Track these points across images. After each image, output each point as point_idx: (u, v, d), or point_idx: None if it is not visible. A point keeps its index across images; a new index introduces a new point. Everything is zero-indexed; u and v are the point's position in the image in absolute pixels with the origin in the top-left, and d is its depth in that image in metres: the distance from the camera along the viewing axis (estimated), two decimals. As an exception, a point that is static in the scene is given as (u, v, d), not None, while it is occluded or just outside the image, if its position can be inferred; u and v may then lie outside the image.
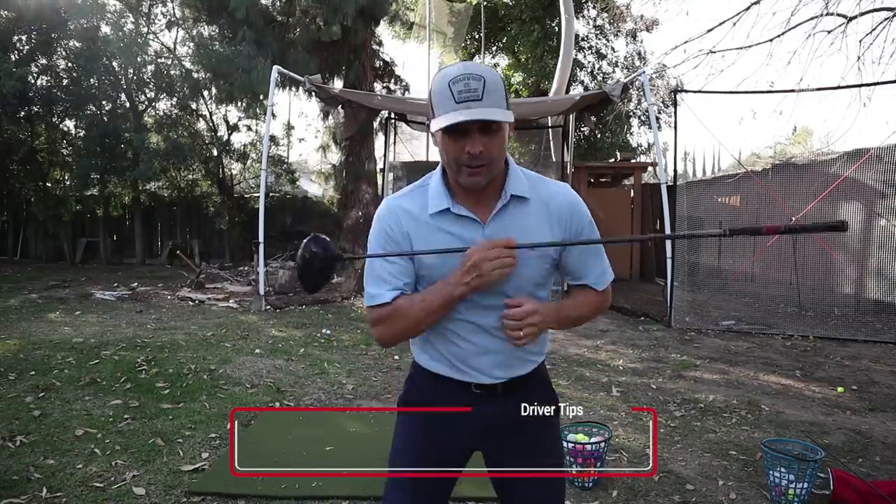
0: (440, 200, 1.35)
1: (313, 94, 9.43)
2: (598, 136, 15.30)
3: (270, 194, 12.96)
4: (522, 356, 1.44)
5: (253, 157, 13.47)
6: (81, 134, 12.48)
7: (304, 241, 1.47)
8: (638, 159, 14.57)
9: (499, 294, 1.36)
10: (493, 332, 1.39)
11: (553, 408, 1.49)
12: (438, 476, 1.48)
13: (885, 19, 5.48)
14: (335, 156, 13.50)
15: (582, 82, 15.26)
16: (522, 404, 1.45)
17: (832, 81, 6.10)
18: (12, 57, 11.32)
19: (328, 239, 1.48)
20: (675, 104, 7.37)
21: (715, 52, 6.67)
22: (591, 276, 1.46)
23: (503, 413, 1.44)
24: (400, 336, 1.43)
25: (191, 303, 8.05)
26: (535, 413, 1.46)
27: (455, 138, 1.26)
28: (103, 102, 12.23)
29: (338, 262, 1.53)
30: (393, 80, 13.43)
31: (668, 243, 7.15)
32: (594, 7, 14.83)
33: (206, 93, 12.51)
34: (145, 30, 12.42)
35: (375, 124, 12.01)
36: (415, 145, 11.21)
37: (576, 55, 13.54)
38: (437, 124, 1.26)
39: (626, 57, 15.60)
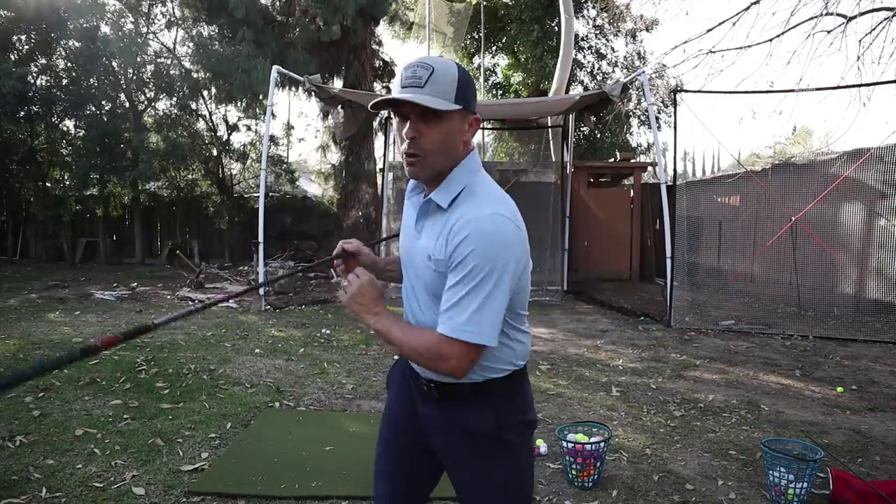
0: (411, 185, 1.43)
1: (313, 93, 9.43)
2: (598, 135, 15.30)
3: (270, 194, 12.97)
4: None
5: (252, 157, 13.47)
6: (81, 134, 12.47)
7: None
8: (637, 159, 14.58)
9: (416, 294, 1.39)
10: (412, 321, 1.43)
11: (492, 437, 1.33)
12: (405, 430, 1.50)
13: (885, 19, 5.49)
14: (335, 156, 13.50)
15: (582, 82, 15.26)
16: (458, 417, 1.36)
17: (832, 81, 6.12)
18: (12, 57, 11.31)
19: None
20: (674, 104, 7.37)
21: (714, 52, 6.69)
22: (445, 315, 1.22)
23: (439, 418, 1.39)
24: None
25: (190, 303, 8.05)
26: (463, 430, 1.36)
27: (398, 122, 1.29)
28: (103, 102, 12.22)
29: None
30: (393, 80, 13.41)
31: (668, 243, 7.14)
32: (594, 7, 14.83)
33: (205, 93, 12.51)
34: (145, 30, 12.41)
35: (375, 124, 12.02)
36: (414, 145, 11.18)
37: (575, 55, 13.54)
38: (371, 102, 1.30)
39: (625, 57, 15.62)
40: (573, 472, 2.86)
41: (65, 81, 12.18)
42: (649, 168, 12.76)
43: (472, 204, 1.25)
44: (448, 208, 1.28)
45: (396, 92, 1.25)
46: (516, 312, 1.34)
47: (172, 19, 12.52)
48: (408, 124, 1.25)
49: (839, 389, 4.52)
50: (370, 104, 1.32)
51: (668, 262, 7.10)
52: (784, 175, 8.45)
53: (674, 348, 5.90)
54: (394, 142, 10.81)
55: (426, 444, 1.45)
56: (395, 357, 1.54)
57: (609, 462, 3.10)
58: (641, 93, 13.27)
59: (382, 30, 14.06)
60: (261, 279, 7.90)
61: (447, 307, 1.22)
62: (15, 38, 11.63)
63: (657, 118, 12.20)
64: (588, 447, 2.85)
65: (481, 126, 11.06)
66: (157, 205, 14.02)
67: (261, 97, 11.03)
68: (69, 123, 12.89)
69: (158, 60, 12.53)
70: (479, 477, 1.36)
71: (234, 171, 14.04)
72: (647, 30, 14.14)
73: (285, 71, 8.53)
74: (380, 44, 13.40)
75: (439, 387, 1.36)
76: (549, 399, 4.21)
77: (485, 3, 14.31)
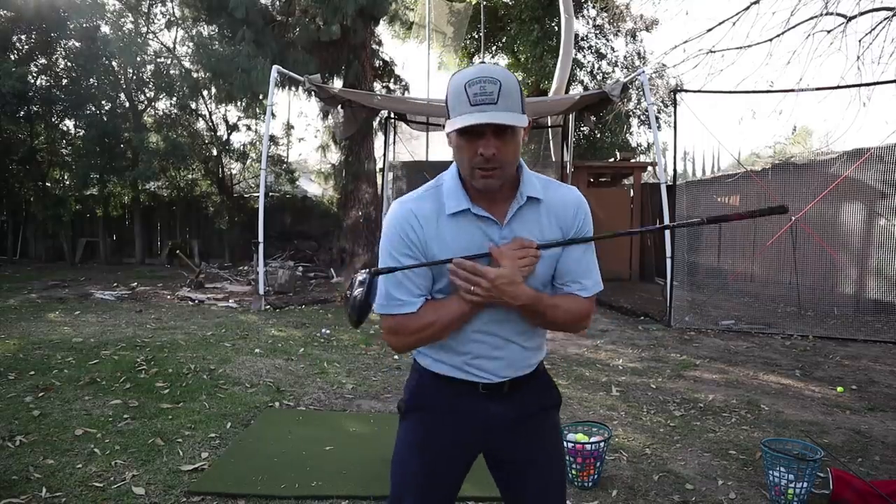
0: (458, 201, 1.34)
1: (313, 93, 9.43)
2: (598, 135, 15.30)
3: (270, 194, 12.97)
4: (528, 356, 1.47)
5: (252, 157, 13.47)
6: (81, 134, 12.48)
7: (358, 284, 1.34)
8: (637, 159, 14.57)
9: (496, 313, 1.39)
10: (499, 335, 1.41)
11: (555, 402, 1.58)
12: (444, 481, 1.50)
13: (885, 19, 5.49)
14: (335, 155, 13.49)
15: (581, 82, 15.26)
16: (526, 400, 1.49)
17: (832, 81, 6.12)
18: (12, 57, 11.32)
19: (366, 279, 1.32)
20: (674, 104, 7.37)
21: (714, 52, 6.69)
22: (585, 280, 1.43)
23: (510, 410, 1.46)
24: (419, 344, 1.44)
25: (190, 303, 8.05)
26: (540, 407, 1.52)
27: (469, 140, 1.27)
28: (103, 102, 12.22)
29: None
30: (392, 80, 13.42)
31: (668, 243, 7.14)
32: (594, 7, 14.82)
33: (205, 92, 12.51)
34: (145, 29, 12.42)
35: (375, 124, 12.01)
36: (414, 145, 11.22)
37: (575, 55, 13.53)
38: (451, 125, 1.26)
39: (625, 56, 15.61)
40: (573, 471, 2.86)
41: (65, 81, 12.18)
42: (649, 168, 12.76)
43: (562, 188, 1.44)
44: (543, 199, 1.39)
45: (467, 110, 1.23)
46: None
47: (172, 19, 12.53)
48: (487, 141, 1.25)
49: (839, 389, 4.52)
50: (448, 131, 1.27)
51: (668, 262, 7.10)
52: (784, 175, 8.45)
53: (674, 348, 5.90)
54: (394, 142, 10.83)
55: (468, 457, 1.52)
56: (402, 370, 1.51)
57: (609, 462, 3.10)
58: (641, 93, 13.27)
59: (382, 30, 14.06)
60: (261, 279, 7.89)
61: (581, 272, 1.43)
62: (15, 37, 11.64)
63: (657, 118, 12.19)
64: (588, 447, 2.85)
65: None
66: (157, 205, 14.03)
67: (261, 97, 11.02)
68: (69, 123, 12.91)
69: (158, 60, 12.54)
70: (552, 445, 1.54)
71: (234, 171, 14.04)
72: (647, 30, 14.14)
73: (285, 71, 8.53)
74: (380, 44, 13.39)
75: (513, 382, 1.46)
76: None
77: (485, 3, 14.30)
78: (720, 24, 6.62)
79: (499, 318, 1.40)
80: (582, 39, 15.12)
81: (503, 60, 16.41)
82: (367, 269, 1.33)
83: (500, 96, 1.22)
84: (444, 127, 1.36)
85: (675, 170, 8.89)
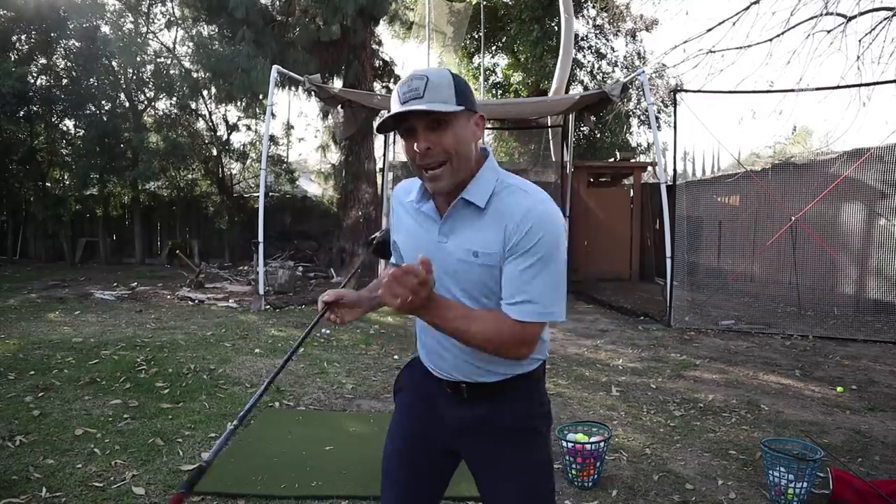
0: (415, 193, 1.41)
1: (313, 93, 9.43)
2: (598, 135, 15.30)
3: (270, 194, 12.96)
4: (479, 364, 1.37)
5: (252, 157, 13.47)
6: (81, 133, 12.47)
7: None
8: (637, 159, 14.57)
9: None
10: (442, 336, 1.38)
11: (526, 426, 1.40)
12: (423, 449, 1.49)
13: (885, 19, 5.49)
14: (335, 155, 13.49)
15: (581, 82, 15.26)
16: (490, 413, 1.39)
17: (832, 81, 6.12)
18: (12, 56, 11.31)
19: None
20: (674, 104, 7.37)
21: (714, 52, 6.69)
22: (518, 297, 1.26)
23: (473, 418, 1.41)
24: None
25: (190, 302, 8.05)
26: (507, 426, 1.39)
27: (406, 139, 1.29)
28: (103, 102, 12.22)
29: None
30: (392, 80, 13.42)
31: (668, 243, 7.14)
32: (594, 7, 14.83)
33: (205, 92, 12.51)
34: (144, 29, 12.41)
35: (375, 124, 12.00)
36: (414, 145, 11.19)
37: (575, 55, 13.53)
38: (376, 123, 1.34)
39: (625, 56, 15.61)
40: (573, 471, 2.86)
41: (65, 81, 12.17)
42: (649, 168, 12.76)
43: (520, 195, 1.30)
44: (486, 206, 1.30)
45: (395, 107, 1.26)
46: None
47: (172, 19, 12.52)
48: (418, 136, 1.26)
49: (839, 389, 4.52)
50: (377, 127, 1.33)
51: (668, 261, 7.10)
52: (784, 175, 8.45)
53: (674, 348, 5.90)
54: (394, 142, 10.82)
55: (444, 448, 1.48)
56: (398, 359, 1.52)
57: (609, 462, 3.10)
58: (641, 93, 13.27)
59: (382, 30, 14.06)
60: (260, 279, 7.90)
61: (522, 293, 1.26)
62: (15, 38, 11.64)
63: (657, 118, 12.20)
64: (588, 447, 2.85)
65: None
66: (157, 205, 14.03)
67: (261, 97, 11.02)
68: (69, 123, 12.90)
69: (158, 60, 12.53)
70: (513, 470, 1.40)
71: (233, 171, 14.04)
72: (647, 30, 14.14)
73: (285, 71, 8.53)
74: (380, 43, 13.40)
75: (471, 387, 1.39)
76: (549, 399, 4.20)
77: (485, 2, 14.30)
78: (720, 24, 6.63)
79: None
80: (582, 39, 15.12)
81: (503, 60, 16.44)
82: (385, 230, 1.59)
83: (426, 90, 1.23)
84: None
85: (675, 170, 8.89)
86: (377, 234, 1.61)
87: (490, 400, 1.40)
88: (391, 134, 10.73)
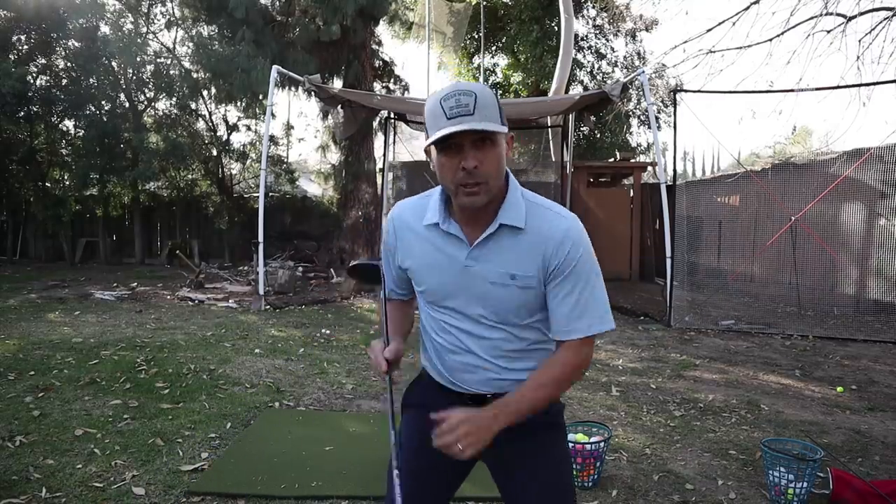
0: (434, 214, 1.36)
1: (313, 93, 9.43)
2: (598, 135, 15.30)
3: (270, 194, 12.96)
4: (508, 376, 1.39)
5: (252, 157, 13.47)
6: (81, 134, 12.47)
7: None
8: (637, 159, 14.57)
9: (477, 320, 1.37)
10: (474, 352, 1.39)
11: (548, 417, 1.43)
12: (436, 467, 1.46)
13: (885, 19, 5.49)
14: (335, 156, 13.50)
15: (581, 82, 15.26)
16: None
17: (832, 81, 6.12)
18: (11, 57, 11.31)
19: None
20: (674, 104, 7.38)
21: (714, 52, 6.69)
22: (563, 322, 1.32)
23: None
24: None
25: (190, 303, 8.05)
26: (533, 427, 1.39)
27: (449, 156, 1.25)
28: (102, 102, 12.22)
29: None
30: (392, 80, 13.43)
31: (668, 243, 7.14)
32: (593, 7, 14.83)
33: (205, 92, 12.51)
34: (144, 30, 12.41)
35: (375, 124, 12.01)
36: (414, 145, 11.21)
37: (575, 55, 13.53)
38: (428, 141, 1.26)
39: (625, 57, 15.61)
40: (573, 471, 2.86)
41: (64, 81, 12.17)
42: (649, 168, 12.76)
43: (551, 216, 1.34)
44: (524, 227, 1.31)
45: (444, 123, 1.22)
46: None
47: (172, 19, 12.52)
48: (467, 154, 1.23)
49: (839, 389, 4.52)
50: (427, 144, 1.28)
51: (668, 261, 7.10)
52: (784, 175, 8.44)
53: (674, 348, 5.90)
54: (394, 142, 10.82)
55: (461, 461, 1.45)
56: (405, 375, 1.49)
57: (609, 462, 3.10)
58: (641, 93, 13.27)
59: (382, 30, 14.06)
60: (260, 279, 7.90)
61: (574, 313, 1.31)
62: (15, 38, 11.63)
63: (657, 118, 12.20)
64: (588, 447, 2.85)
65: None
66: (157, 205, 14.03)
67: (261, 97, 11.02)
68: (69, 123, 12.90)
69: (158, 60, 12.53)
70: (540, 466, 1.42)
71: (233, 171, 14.04)
72: (646, 30, 14.14)
73: (285, 71, 8.53)
74: (380, 44, 13.40)
75: (497, 396, 1.38)
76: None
77: (485, 3, 14.30)
78: (720, 24, 6.63)
79: (469, 330, 1.39)
80: (582, 39, 15.12)
81: (503, 60, 16.43)
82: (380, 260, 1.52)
83: (476, 108, 1.21)
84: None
85: (674, 170, 8.89)
86: (364, 261, 1.54)
87: None
88: (391, 134, 10.76)
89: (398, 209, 1.46)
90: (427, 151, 1.33)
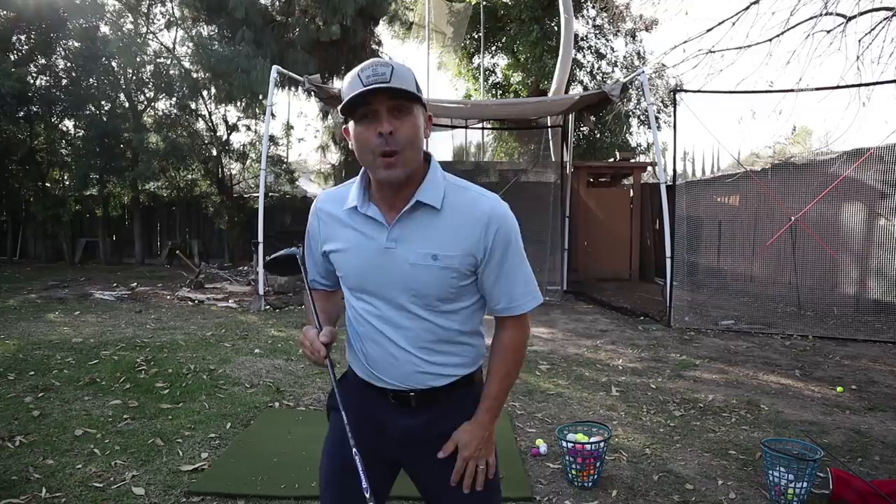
0: (354, 198, 1.34)
1: (312, 93, 9.43)
2: (598, 135, 15.31)
3: (270, 194, 12.96)
4: (429, 369, 1.35)
5: (252, 157, 13.47)
6: (80, 134, 12.48)
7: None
8: (637, 159, 14.58)
9: (398, 307, 1.34)
10: (395, 342, 1.35)
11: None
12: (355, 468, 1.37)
13: (885, 19, 5.49)
14: (334, 156, 13.52)
15: (581, 82, 15.27)
16: (441, 419, 1.38)
17: (831, 81, 6.12)
18: (11, 57, 11.31)
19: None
20: (674, 104, 7.37)
21: (714, 52, 6.69)
22: (504, 299, 1.36)
23: (418, 428, 1.38)
24: None
25: (190, 303, 8.05)
26: (453, 428, 1.38)
27: (365, 124, 1.24)
28: (102, 102, 12.22)
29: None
30: (344, 83, 13.41)
31: (668, 243, 7.14)
32: (593, 7, 14.83)
33: (205, 93, 12.51)
34: (144, 30, 12.42)
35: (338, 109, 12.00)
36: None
37: (575, 55, 13.54)
38: (343, 105, 1.25)
39: (625, 57, 15.62)
40: (573, 471, 2.86)
41: (64, 81, 12.18)
42: (649, 168, 12.76)
43: (472, 196, 1.34)
44: (441, 208, 1.29)
45: (359, 88, 1.21)
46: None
47: (172, 19, 12.53)
48: (381, 120, 1.22)
49: (839, 389, 4.52)
50: (341, 108, 1.27)
51: (668, 261, 7.10)
52: (784, 175, 8.44)
53: (673, 348, 5.90)
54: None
55: (387, 460, 1.45)
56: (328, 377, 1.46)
57: (609, 462, 3.10)
58: (641, 93, 13.26)
59: (382, 30, 14.07)
60: (260, 279, 7.90)
61: (518, 289, 1.36)
62: (15, 38, 11.63)
63: (657, 118, 12.20)
64: (588, 447, 2.85)
65: (482, 126, 11.07)
66: (157, 205, 14.03)
67: (260, 97, 11.03)
68: (69, 123, 12.91)
69: (158, 60, 12.53)
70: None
71: (233, 171, 14.04)
72: (646, 30, 14.11)
73: (285, 71, 8.53)
74: (379, 44, 13.41)
75: (420, 394, 1.37)
76: (549, 399, 4.21)
77: (484, 3, 14.30)
78: (720, 24, 6.62)
79: (390, 319, 1.35)
80: (582, 39, 15.13)
81: (503, 60, 16.43)
82: (297, 247, 1.49)
83: (392, 76, 1.21)
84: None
85: (674, 170, 8.89)
86: (278, 253, 1.50)
87: (436, 405, 1.38)
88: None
89: (322, 197, 1.45)
90: (346, 132, 1.31)
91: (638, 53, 15.38)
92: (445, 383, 1.37)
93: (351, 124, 1.27)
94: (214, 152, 13.44)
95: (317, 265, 1.49)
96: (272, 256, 1.52)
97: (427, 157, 1.34)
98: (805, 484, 2.65)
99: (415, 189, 1.29)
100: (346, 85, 1.26)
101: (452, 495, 1.39)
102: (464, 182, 1.37)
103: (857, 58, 5.70)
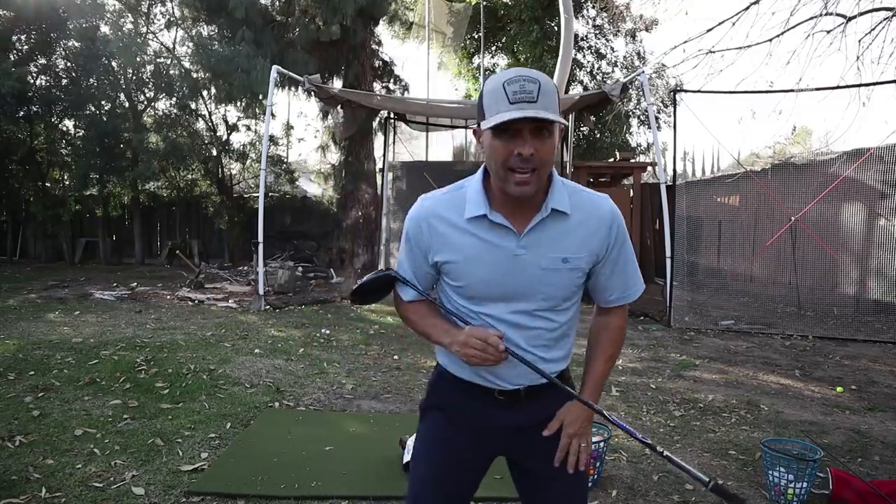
0: (477, 206, 1.33)
1: (312, 93, 9.43)
2: (598, 135, 15.30)
3: (270, 194, 12.97)
4: (547, 367, 1.42)
5: (252, 157, 13.48)
6: (80, 134, 12.48)
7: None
8: (637, 159, 14.57)
9: (523, 310, 1.37)
10: (516, 343, 1.38)
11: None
12: (459, 477, 1.49)
13: (885, 19, 5.47)
14: (334, 156, 13.49)
15: (581, 82, 15.25)
16: (546, 408, 1.45)
17: (831, 81, 6.11)
18: (11, 57, 11.32)
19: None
20: (674, 104, 7.38)
21: (714, 52, 6.67)
22: (618, 291, 1.46)
23: (527, 419, 1.44)
24: (409, 326, 1.54)
25: (190, 303, 8.05)
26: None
27: (505, 141, 1.23)
28: (102, 102, 12.23)
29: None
30: (392, 80, 13.42)
31: (668, 243, 7.14)
32: (593, 7, 14.82)
33: (205, 93, 12.51)
34: (144, 29, 12.42)
35: (375, 124, 12.01)
36: (414, 145, 11.22)
37: (575, 55, 13.53)
38: (488, 123, 1.23)
39: (625, 57, 15.61)
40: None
41: (64, 81, 12.18)
42: (649, 168, 12.76)
43: (592, 198, 1.40)
44: (570, 212, 1.35)
45: (506, 108, 1.20)
46: None
47: (172, 19, 12.52)
48: (524, 140, 1.22)
49: (839, 389, 4.52)
50: (486, 127, 1.24)
51: (668, 261, 7.10)
52: (784, 175, 8.44)
53: (673, 348, 5.90)
54: (393, 142, 10.82)
55: (488, 456, 1.51)
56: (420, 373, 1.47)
57: (609, 462, 3.10)
58: (641, 93, 13.26)
59: (382, 30, 14.04)
60: (260, 279, 7.90)
61: (629, 282, 1.45)
62: (15, 38, 11.63)
63: (657, 118, 12.20)
64: (588, 447, 2.84)
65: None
66: (157, 205, 14.03)
67: (260, 97, 11.01)
68: (69, 123, 12.92)
69: (158, 60, 12.53)
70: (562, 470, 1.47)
71: (233, 171, 14.04)
72: (646, 30, 14.11)
73: (285, 71, 8.53)
74: (379, 44, 13.39)
75: (527, 391, 1.43)
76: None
77: (484, 3, 14.29)
78: (720, 24, 6.60)
79: (512, 321, 1.38)
80: (582, 39, 15.12)
81: (503, 60, 16.41)
82: (387, 270, 1.47)
83: (539, 95, 1.20)
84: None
85: (674, 170, 8.90)
86: (367, 278, 1.45)
87: (540, 399, 1.45)
88: (391, 134, 10.77)
89: (430, 204, 1.40)
90: (475, 132, 1.32)
91: (638, 53, 15.37)
92: (542, 382, 1.42)
93: (487, 132, 1.25)
94: (214, 152, 13.45)
95: (418, 276, 1.45)
96: (360, 283, 1.45)
97: None
98: (805, 484, 2.65)
99: (542, 197, 1.32)
100: (488, 93, 1.25)
101: (555, 477, 1.44)
102: (571, 183, 1.41)
103: (857, 58, 5.69)
